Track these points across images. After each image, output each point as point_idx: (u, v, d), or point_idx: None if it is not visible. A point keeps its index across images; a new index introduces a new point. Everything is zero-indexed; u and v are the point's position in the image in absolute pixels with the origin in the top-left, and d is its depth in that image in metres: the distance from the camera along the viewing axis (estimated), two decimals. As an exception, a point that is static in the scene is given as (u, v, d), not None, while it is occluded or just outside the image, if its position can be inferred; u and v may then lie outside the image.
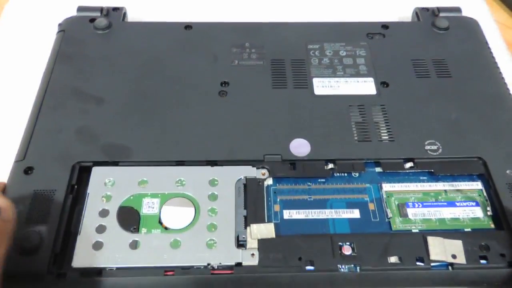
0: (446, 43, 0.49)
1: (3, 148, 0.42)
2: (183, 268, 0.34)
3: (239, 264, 0.34)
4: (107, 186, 0.37)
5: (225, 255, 0.34)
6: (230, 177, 0.38)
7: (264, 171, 0.39)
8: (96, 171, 0.38)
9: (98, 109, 0.42)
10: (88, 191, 0.37)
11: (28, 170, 0.38)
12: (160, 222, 0.36)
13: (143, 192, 0.37)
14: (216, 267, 0.34)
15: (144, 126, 0.41)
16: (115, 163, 0.39)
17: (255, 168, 0.39)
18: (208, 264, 0.34)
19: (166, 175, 0.38)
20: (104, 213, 0.36)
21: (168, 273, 0.33)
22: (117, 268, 0.34)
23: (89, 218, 0.35)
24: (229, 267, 0.34)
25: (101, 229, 0.35)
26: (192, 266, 0.34)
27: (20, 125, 0.41)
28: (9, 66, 0.51)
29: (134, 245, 0.34)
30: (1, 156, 0.41)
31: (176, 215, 0.36)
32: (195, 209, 0.36)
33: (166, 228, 0.35)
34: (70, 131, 0.40)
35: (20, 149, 0.39)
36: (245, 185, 0.38)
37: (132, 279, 0.33)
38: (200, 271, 0.34)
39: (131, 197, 0.37)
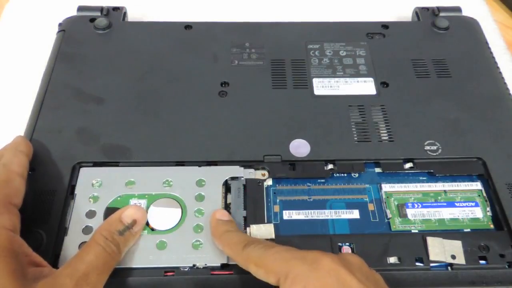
0: (446, 43, 0.49)
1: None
2: (166, 269, 0.33)
3: (225, 265, 0.34)
4: (95, 187, 0.37)
5: (210, 256, 0.34)
6: (217, 177, 0.38)
7: (264, 171, 0.39)
8: (84, 172, 0.38)
9: (98, 109, 0.42)
10: (75, 192, 0.37)
11: (28, 171, 0.38)
12: (147, 223, 0.35)
13: (130, 193, 0.37)
14: (202, 268, 0.34)
15: (144, 126, 0.41)
16: (116, 164, 0.39)
17: (242, 168, 0.38)
18: (194, 265, 0.34)
19: (154, 175, 0.38)
20: (91, 214, 0.36)
21: (168, 273, 0.33)
22: None
23: (76, 219, 0.35)
24: (217, 268, 0.34)
25: (87, 230, 0.35)
26: (178, 268, 0.34)
27: (20, 125, 0.41)
28: (9, 66, 0.51)
29: None
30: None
31: (163, 216, 0.36)
32: (182, 210, 0.36)
33: (152, 229, 0.35)
34: (71, 131, 0.40)
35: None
36: (244, 186, 0.38)
37: (132, 279, 0.33)
38: (200, 272, 0.34)
39: (118, 198, 0.37)
